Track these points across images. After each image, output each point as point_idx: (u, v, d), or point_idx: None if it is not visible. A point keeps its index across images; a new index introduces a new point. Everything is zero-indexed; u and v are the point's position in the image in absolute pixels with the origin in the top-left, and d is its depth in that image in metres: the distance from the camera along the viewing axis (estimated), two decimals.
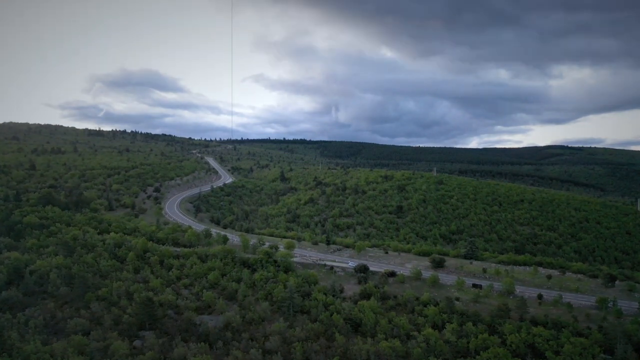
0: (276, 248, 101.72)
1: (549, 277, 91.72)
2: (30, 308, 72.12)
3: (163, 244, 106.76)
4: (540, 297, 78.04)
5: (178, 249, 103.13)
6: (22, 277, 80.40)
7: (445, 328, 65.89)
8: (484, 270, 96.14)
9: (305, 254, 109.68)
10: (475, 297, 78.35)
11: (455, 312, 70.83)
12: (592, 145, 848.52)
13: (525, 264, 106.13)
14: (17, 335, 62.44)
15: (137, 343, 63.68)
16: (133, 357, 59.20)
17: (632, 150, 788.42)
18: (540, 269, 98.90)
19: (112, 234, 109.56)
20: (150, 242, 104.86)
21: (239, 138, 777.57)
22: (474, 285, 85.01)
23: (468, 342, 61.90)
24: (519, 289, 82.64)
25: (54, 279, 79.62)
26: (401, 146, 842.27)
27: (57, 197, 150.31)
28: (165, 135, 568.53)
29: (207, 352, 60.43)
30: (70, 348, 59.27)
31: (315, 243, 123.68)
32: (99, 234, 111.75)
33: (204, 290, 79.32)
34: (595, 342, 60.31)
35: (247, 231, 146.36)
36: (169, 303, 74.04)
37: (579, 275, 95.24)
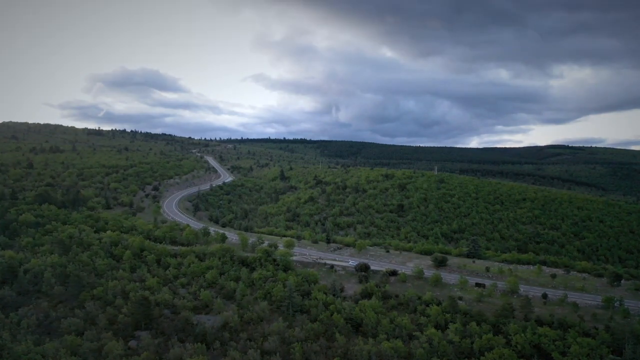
0: (275, 247, 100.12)
1: (554, 276, 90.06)
2: (24, 307, 70.57)
3: (160, 243, 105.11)
4: (545, 296, 76.39)
5: (176, 248, 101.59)
6: (16, 276, 78.83)
7: (448, 328, 64.33)
8: (487, 269, 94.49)
9: (305, 252, 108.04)
10: (479, 297, 76.75)
11: (459, 312, 69.32)
12: (593, 145, 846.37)
13: (528, 262, 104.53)
14: (9, 336, 60.88)
15: (132, 343, 62.16)
16: (128, 358, 57.65)
17: (633, 150, 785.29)
18: (544, 268, 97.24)
19: (108, 232, 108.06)
20: (148, 240, 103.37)
21: (239, 138, 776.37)
22: (477, 285, 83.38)
23: (472, 343, 60.39)
24: (523, 288, 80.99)
25: (48, 278, 78.10)
26: (402, 146, 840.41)
27: (54, 196, 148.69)
28: (165, 134, 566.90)
29: (204, 352, 58.94)
30: (63, 348, 57.80)
31: (315, 242, 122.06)
32: (95, 232, 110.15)
33: (202, 290, 77.76)
34: (602, 343, 58.79)
35: (246, 230, 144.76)
36: (165, 302, 72.52)
37: (584, 275, 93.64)
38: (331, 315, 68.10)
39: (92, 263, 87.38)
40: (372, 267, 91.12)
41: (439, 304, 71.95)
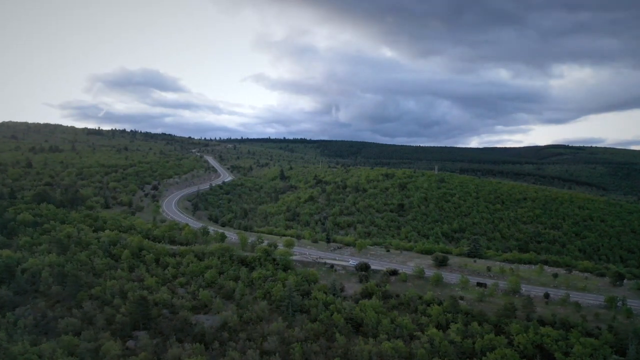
0: (275, 246, 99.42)
1: (555, 275, 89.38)
2: (21, 307, 69.83)
3: (159, 242, 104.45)
4: (546, 296, 75.75)
5: (174, 247, 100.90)
6: (14, 275, 78.09)
7: (449, 328, 63.76)
8: (489, 269, 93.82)
9: (304, 252, 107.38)
10: (480, 296, 76.08)
11: (460, 312, 68.71)
12: (593, 145, 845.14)
13: (530, 262, 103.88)
14: (5, 335, 60.20)
15: (130, 343, 61.49)
16: (125, 358, 56.99)
17: (633, 150, 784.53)
18: (545, 267, 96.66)
19: (107, 231, 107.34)
20: (146, 239, 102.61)
21: (239, 137, 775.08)
22: (479, 284, 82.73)
23: (474, 343, 59.79)
24: (524, 288, 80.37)
25: (46, 278, 77.42)
26: (402, 145, 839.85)
27: (53, 195, 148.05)
28: (164, 134, 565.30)
29: (203, 352, 58.28)
30: (60, 349, 57.04)
31: (315, 241, 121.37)
32: (94, 231, 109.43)
33: (201, 289, 77.04)
34: (605, 343, 58.22)
35: (245, 229, 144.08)
36: (164, 302, 71.81)
37: (586, 274, 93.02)
38: (331, 315, 67.44)
39: (91, 262, 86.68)
40: (372, 267, 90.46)
41: (440, 303, 71.34)
